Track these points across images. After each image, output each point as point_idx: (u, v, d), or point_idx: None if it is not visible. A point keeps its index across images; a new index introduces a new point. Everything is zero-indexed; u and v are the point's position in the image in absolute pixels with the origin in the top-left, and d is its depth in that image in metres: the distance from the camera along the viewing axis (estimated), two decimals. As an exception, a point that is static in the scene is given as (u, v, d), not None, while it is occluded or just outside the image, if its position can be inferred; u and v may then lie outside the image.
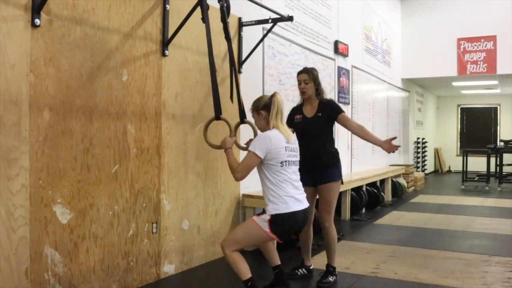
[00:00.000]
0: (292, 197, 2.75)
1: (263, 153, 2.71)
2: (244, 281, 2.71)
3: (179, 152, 3.62)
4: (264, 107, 2.84)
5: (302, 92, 3.51)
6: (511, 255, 4.28)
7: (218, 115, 2.99)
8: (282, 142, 2.76)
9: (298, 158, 2.89)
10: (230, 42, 3.17)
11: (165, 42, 3.43)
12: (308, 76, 3.47)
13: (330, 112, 3.48)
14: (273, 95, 2.85)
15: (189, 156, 3.73)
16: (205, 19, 2.96)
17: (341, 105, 6.21)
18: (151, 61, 3.34)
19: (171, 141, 3.54)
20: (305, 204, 2.82)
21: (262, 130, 2.88)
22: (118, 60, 3.07)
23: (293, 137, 2.90)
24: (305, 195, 2.88)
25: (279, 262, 3.07)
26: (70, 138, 2.76)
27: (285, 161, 2.76)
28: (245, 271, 2.70)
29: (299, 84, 3.51)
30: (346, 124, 3.48)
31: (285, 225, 2.75)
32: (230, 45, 3.17)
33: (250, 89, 4.42)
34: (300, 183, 2.87)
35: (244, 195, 4.37)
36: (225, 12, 3.11)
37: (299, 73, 3.54)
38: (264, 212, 2.79)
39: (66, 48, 2.72)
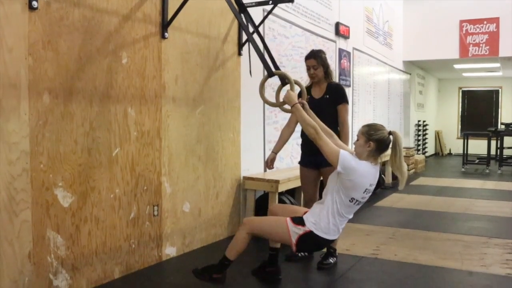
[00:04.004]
0: (337, 229, 2.71)
1: (342, 167, 2.56)
2: (224, 256, 2.80)
3: (179, 135, 3.62)
4: (379, 141, 2.63)
5: (312, 78, 3.52)
6: (510, 237, 4.31)
7: (270, 72, 2.88)
8: (367, 183, 2.62)
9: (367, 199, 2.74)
10: (247, 12, 3.29)
11: (165, 25, 3.39)
12: (316, 62, 3.49)
13: (336, 97, 3.51)
14: (393, 134, 2.68)
15: (189, 138, 3.73)
16: None
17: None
18: (150, 44, 3.31)
19: (172, 124, 3.53)
20: (339, 234, 2.77)
21: (358, 154, 2.69)
22: (118, 42, 3.05)
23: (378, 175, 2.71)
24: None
25: (279, 246, 3.08)
26: (70, 121, 2.75)
27: (357, 201, 2.67)
28: (234, 252, 2.79)
29: (308, 69, 3.51)
30: (338, 116, 3.51)
31: (310, 244, 2.78)
32: (247, 15, 3.31)
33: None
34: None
35: (245, 178, 4.37)
36: None
37: (307, 57, 3.54)
38: (302, 221, 2.69)
39: (65, 30, 2.69)
